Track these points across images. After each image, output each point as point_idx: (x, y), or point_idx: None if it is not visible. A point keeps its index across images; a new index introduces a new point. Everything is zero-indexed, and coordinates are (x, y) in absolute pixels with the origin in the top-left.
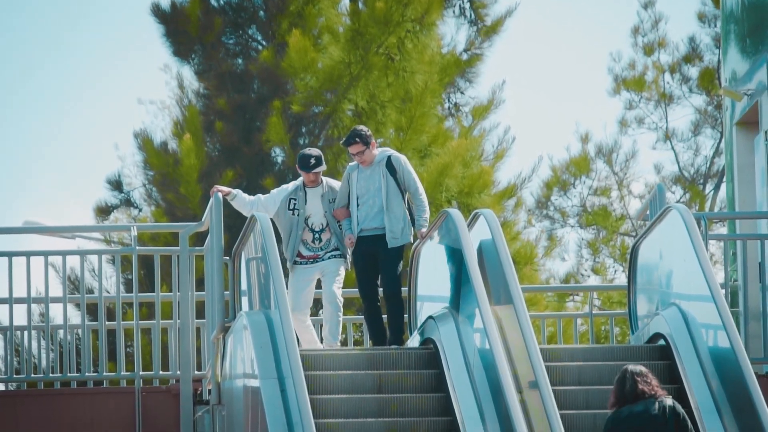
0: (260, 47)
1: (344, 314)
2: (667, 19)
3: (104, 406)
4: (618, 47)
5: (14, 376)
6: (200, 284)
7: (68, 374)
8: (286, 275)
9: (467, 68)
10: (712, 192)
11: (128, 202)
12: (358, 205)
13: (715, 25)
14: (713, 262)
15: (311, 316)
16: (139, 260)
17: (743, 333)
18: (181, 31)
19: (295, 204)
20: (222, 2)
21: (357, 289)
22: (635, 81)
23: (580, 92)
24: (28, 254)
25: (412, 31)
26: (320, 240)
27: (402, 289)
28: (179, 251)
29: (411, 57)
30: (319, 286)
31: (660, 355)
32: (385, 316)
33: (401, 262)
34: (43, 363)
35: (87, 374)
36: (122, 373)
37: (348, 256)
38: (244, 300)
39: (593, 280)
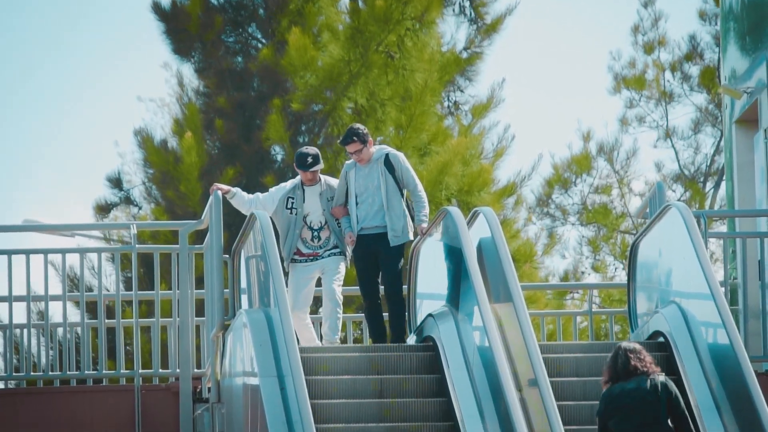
0: (260, 45)
1: (344, 312)
2: (667, 17)
3: (104, 404)
4: (618, 46)
5: (14, 374)
6: (200, 282)
7: (68, 372)
8: (286, 274)
9: (467, 66)
10: (712, 190)
11: (128, 200)
12: (357, 204)
13: (716, 23)
14: (713, 260)
15: (311, 314)
16: (138, 258)
17: (743, 331)
18: (181, 29)
19: (292, 203)
20: (222, 0)
21: (357, 287)
22: (635, 79)
23: (582, 90)
24: (27, 252)
25: (412, 29)
26: (319, 238)
27: (403, 287)
28: (179, 249)
29: (411, 55)
30: (318, 284)
31: (660, 352)
32: (385, 314)
33: (402, 260)
34: (43, 361)
35: (86, 372)
36: (122, 371)
37: (347, 254)
38: (244, 298)
39: (593, 278)
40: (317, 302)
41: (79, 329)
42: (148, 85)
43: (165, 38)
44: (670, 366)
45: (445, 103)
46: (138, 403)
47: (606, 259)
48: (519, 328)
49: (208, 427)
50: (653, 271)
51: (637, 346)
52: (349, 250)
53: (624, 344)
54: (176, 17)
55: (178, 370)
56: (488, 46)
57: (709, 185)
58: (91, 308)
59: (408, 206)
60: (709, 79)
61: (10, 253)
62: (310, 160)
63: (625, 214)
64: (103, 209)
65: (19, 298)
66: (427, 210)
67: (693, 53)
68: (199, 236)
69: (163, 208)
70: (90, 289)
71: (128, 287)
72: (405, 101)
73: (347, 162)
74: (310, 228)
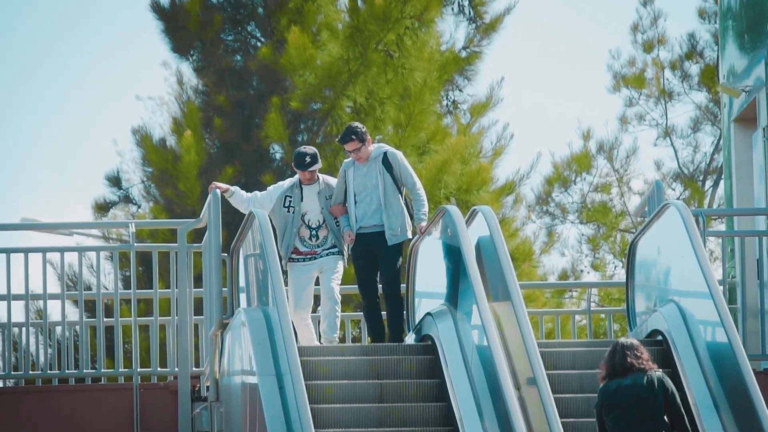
0: (259, 44)
1: (342, 311)
2: (666, 16)
3: (102, 402)
4: (617, 44)
5: (12, 372)
6: (198, 281)
7: (66, 371)
8: (284, 273)
9: (466, 66)
10: (711, 189)
11: (127, 199)
12: (355, 203)
13: (715, 22)
14: (713, 259)
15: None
16: (137, 257)
17: (741, 330)
18: (180, 28)
19: (290, 201)
20: None
21: (356, 286)
22: (635, 78)
23: (581, 89)
24: (26, 251)
25: (411, 28)
26: (317, 237)
27: (401, 285)
28: (177, 248)
29: (410, 54)
30: (316, 282)
31: (658, 351)
32: (384, 313)
33: (400, 259)
34: (41, 360)
35: (85, 371)
36: (120, 369)
37: (345, 253)
38: (242, 297)
39: (593, 277)
40: (315, 300)
41: (77, 328)
42: (147, 83)
43: (164, 37)
44: (668, 364)
45: (444, 102)
46: (136, 401)
47: (605, 258)
48: (517, 327)
49: (206, 425)
50: (652, 270)
51: (635, 342)
52: (347, 249)
53: (621, 340)
54: (175, 16)
55: (176, 369)
56: (487, 45)
57: (708, 184)
58: (90, 307)
59: (407, 205)
60: (709, 77)
61: (8, 251)
62: (308, 159)
63: (624, 212)
64: (102, 208)
65: (17, 297)
66: (426, 208)
67: (692, 52)
68: (197, 235)
69: (161, 206)
70: (88, 288)
71: (127, 286)
72: (404, 100)
73: (346, 160)
74: (308, 227)
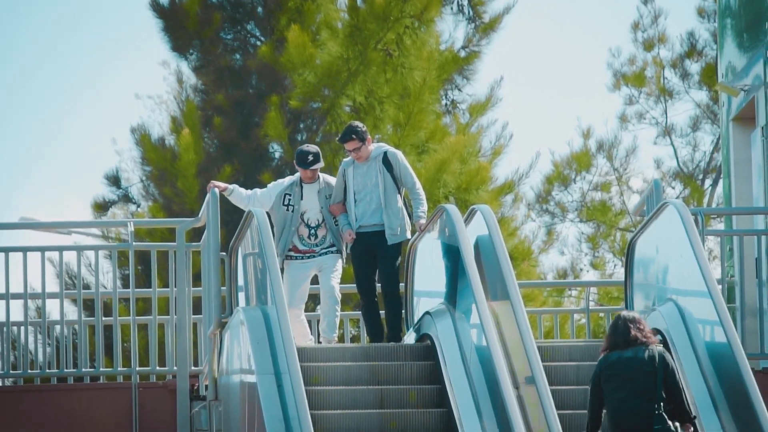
0: (258, 43)
1: (342, 310)
2: (666, 14)
3: (101, 401)
4: (617, 43)
5: (11, 371)
6: (197, 280)
7: (65, 370)
8: (281, 270)
9: (465, 65)
10: (710, 187)
11: (126, 198)
12: (355, 202)
13: (715, 21)
14: (711, 258)
15: (309, 311)
16: (135, 255)
17: (740, 329)
18: (179, 27)
19: (289, 199)
20: None
21: (354, 285)
22: (635, 76)
23: (581, 88)
24: (24, 250)
25: (410, 28)
26: (316, 236)
27: (400, 285)
28: (176, 247)
29: (409, 53)
30: (315, 281)
31: None
32: (382, 312)
33: (399, 258)
34: (40, 359)
35: (84, 370)
36: (119, 368)
37: (344, 252)
38: (241, 295)
39: (592, 275)
40: (315, 299)
41: (76, 327)
42: (146, 83)
43: (163, 36)
44: None
45: (443, 102)
46: (135, 400)
47: (605, 256)
48: (516, 326)
49: (205, 424)
50: (650, 269)
51: (637, 316)
52: (346, 248)
53: (624, 313)
54: (174, 14)
55: (175, 368)
56: (486, 45)
57: (708, 182)
58: (89, 306)
59: (406, 204)
60: (709, 76)
61: (7, 250)
62: (310, 158)
63: (624, 211)
64: (102, 207)
65: (16, 296)
66: (425, 207)
67: (692, 50)
68: (196, 233)
69: (160, 205)
70: (87, 287)
71: (126, 285)
72: (403, 99)
73: (345, 159)
74: (308, 225)
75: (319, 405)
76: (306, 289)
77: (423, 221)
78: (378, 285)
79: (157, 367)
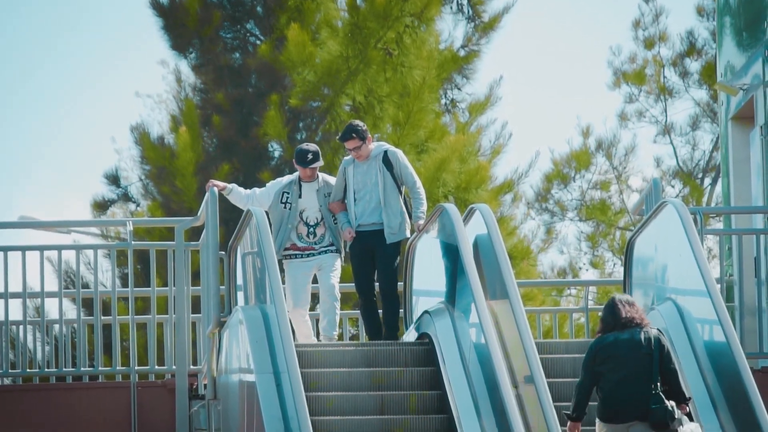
0: (258, 42)
1: (341, 309)
2: (667, 13)
3: (100, 401)
4: (617, 41)
5: (10, 370)
6: (196, 279)
7: (64, 369)
8: (281, 269)
9: (464, 65)
10: (710, 186)
11: (126, 197)
12: (355, 200)
13: (714, 19)
14: (710, 257)
15: (308, 311)
16: (134, 255)
17: (739, 328)
18: (179, 25)
19: (287, 198)
20: None
21: (353, 284)
22: (635, 74)
23: (581, 86)
24: (23, 249)
25: (410, 26)
26: (315, 234)
27: (398, 284)
28: (175, 246)
29: (409, 52)
30: (314, 280)
31: None
32: (380, 311)
33: (398, 257)
34: (39, 358)
35: (82, 369)
36: (118, 367)
37: (342, 251)
38: (240, 295)
39: (591, 274)
40: (314, 298)
41: (75, 326)
42: (145, 81)
43: (163, 34)
44: None
45: (443, 101)
46: (134, 399)
47: (604, 255)
48: (515, 325)
49: (204, 423)
50: (649, 268)
51: (630, 298)
52: (345, 246)
53: (618, 295)
54: (174, 13)
55: (174, 367)
56: (486, 44)
57: (708, 181)
58: (88, 305)
59: (406, 203)
60: (709, 75)
61: (6, 249)
62: (310, 156)
63: (623, 209)
64: (101, 206)
65: (15, 295)
66: (424, 206)
67: (692, 49)
68: (195, 232)
69: (159, 203)
70: (86, 286)
71: (125, 284)
72: (403, 98)
73: (345, 158)
74: (306, 224)
75: (318, 411)
76: (309, 289)
77: (421, 222)
78: (377, 284)
79: (156, 367)
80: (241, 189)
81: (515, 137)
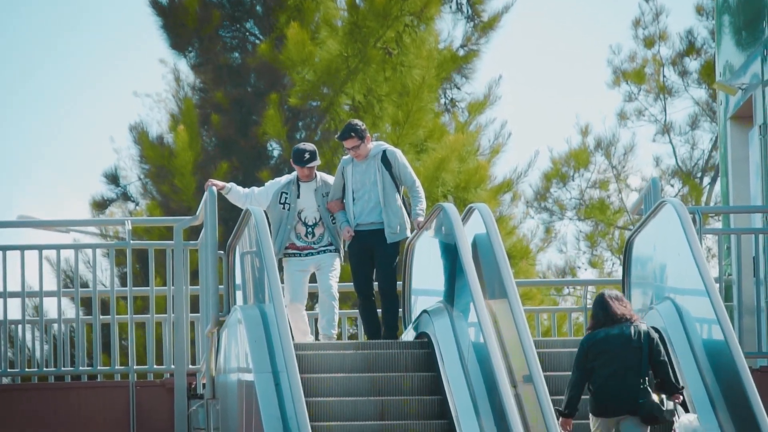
0: (257, 41)
1: (339, 308)
2: (667, 12)
3: (98, 400)
4: (617, 40)
5: (8, 369)
6: (195, 278)
7: (62, 368)
8: (280, 269)
9: (464, 64)
10: (709, 186)
11: (125, 196)
12: (354, 200)
13: (713, 18)
14: (709, 257)
15: (307, 310)
16: (133, 254)
17: (737, 327)
18: (178, 24)
19: (286, 198)
20: None
21: (352, 284)
22: (635, 73)
23: (580, 85)
24: (22, 248)
25: (410, 26)
26: (313, 234)
27: (397, 283)
28: (173, 245)
29: (409, 51)
30: (312, 279)
31: None
32: (379, 310)
33: (397, 257)
34: (38, 357)
35: (81, 368)
36: (116, 367)
37: (341, 250)
38: (239, 294)
39: (590, 274)
40: (313, 297)
41: (74, 325)
42: (144, 80)
43: (162, 33)
44: None
45: (442, 100)
46: (132, 399)
47: (603, 255)
48: (514, 325)
49: (202, 423)
50: (648, 268)
51: (619, 294)
52: (344, 245)
53: (607, 292)
54: (174, 12)
55: (172, 366)
56: (485, 43)
57: (707, 180)
58: (87, 304)
59: (405, 203)
60: (708, 74)
61: (5, 249)
62: (307, 156)
63: (622, 209)
64: (100, 205)
65: (13, 294)
66: (424, 204)
67: (692, 48)
68: (193, 231)
69: (157, 202)
70: (85, 285)
71: (123, 283)
72: (402, 97)
73: (344, 157)
74: (305, 224)
75: (318, 417)
76: (306, 285)
77: (421, 219)
78: (375, 284)
79: (155, 366)
80: (240, 188)
81: (514, 136)
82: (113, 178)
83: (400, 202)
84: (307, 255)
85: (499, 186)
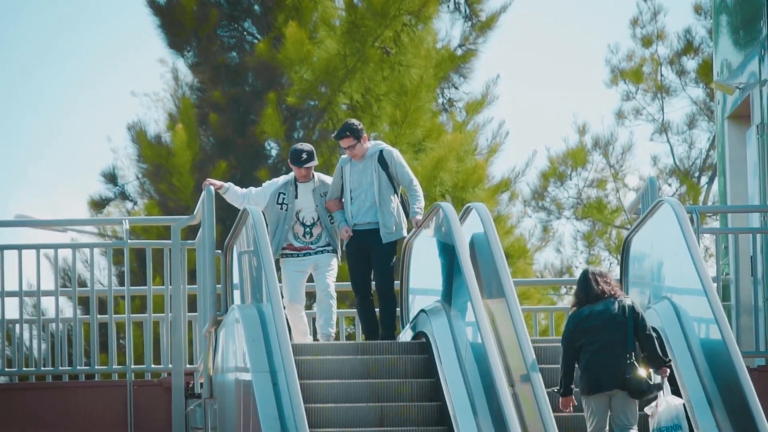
0: (255, 41)
1: (337, 308)
2: (665, 11)
3: (96, 399)
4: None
5: (6, 369)
6: (192, 277)
7: (60, 368)
8: (277, 269)
9: (462, 63)
10: (706, 185)
11: (123, 196)
12: (351, 199)
13: (711, 18)
14: (707, 256)
15: (305, 309)
16: (131, 253)
17: (735, 326)
18: (176, 24)
19: (283, 198)
20: None
21: (349, 283)
22: (633, 72)
23: (578, 84)
24: (20, 248)
25: (408, 25)
26: (311, 234)
27: (395, 283)
28: (171, 244)
29: (407, 51)
30: (310, 279)
31: None
32: (377, 310)
33: (394, 256)
34: (35, 356)
35: (79, 368)
36: (114, 366)
37: (339, 250)
38: (236, 293)
39: None
40: (311, 297)
41: (71, 324)
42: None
43: (160, 32)
44: None
45: (440, 100)
46: (130, 398)
47: (601, 254)
48: (511, 324)
49: (200, 422)
50: (646, 267)
51: (603, 270)
52: (342, 245)
53: (591, 268)
54: (171, 12)
55: (170, 366)
56: (483, 43)
57: (704, 180)
58: (84, 303)
59: (403, 202)
60: (706, 73)
61: (2, 248)
62: (304, 156)
63: (620, 208)
64: (98, 205)
65: (11, 293)
66: (422, 203)
67: (689, 47)
68: (191, 230)
69: (155, 201)
70: (83, 284)
71: (121, 282)
72: (400, 97)
73: (342, 156)
74: (303, 224)
75: (317, 423)
76: (304, 286)
77: (419, 217)
78: (373, 283)
79: (153, 365)
80: (238, 188)
81: (512, 136)
82: (111, 178)
83: (396, 201)
84: (304, 255)
85: (496, 185)
